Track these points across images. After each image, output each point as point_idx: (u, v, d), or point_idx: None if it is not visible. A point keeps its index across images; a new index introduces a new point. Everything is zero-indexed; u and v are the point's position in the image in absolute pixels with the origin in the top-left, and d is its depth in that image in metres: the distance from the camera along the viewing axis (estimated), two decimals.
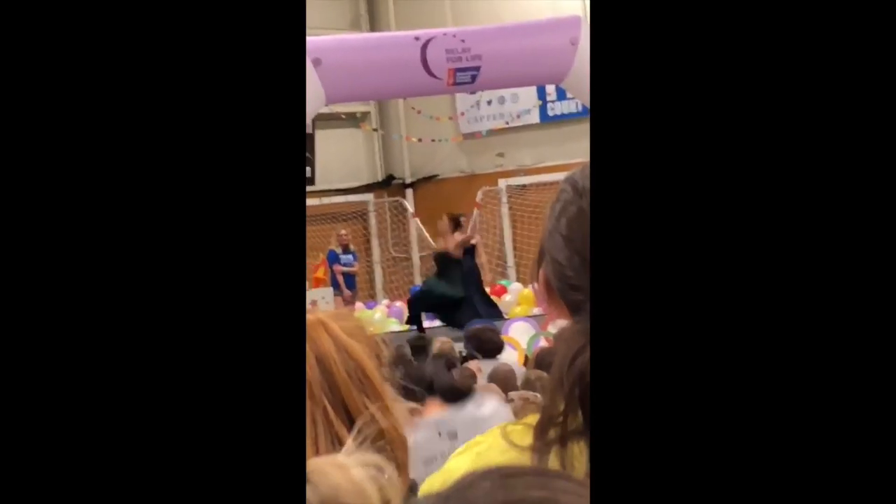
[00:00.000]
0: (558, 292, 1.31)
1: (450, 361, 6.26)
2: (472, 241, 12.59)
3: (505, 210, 16.65)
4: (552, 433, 1.20)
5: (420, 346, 7.60)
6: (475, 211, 15.89)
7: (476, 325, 8.64)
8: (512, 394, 5.19)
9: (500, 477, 0.78)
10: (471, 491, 0.77)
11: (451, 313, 11.65)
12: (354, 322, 1.62)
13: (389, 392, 1.57)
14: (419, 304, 12.11)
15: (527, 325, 9.96)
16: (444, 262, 12.21)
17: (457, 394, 4.90)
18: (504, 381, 5.68)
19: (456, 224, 12.45)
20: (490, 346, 7.04)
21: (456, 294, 11.72)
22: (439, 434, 4.69)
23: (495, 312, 11.80)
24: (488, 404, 4.80)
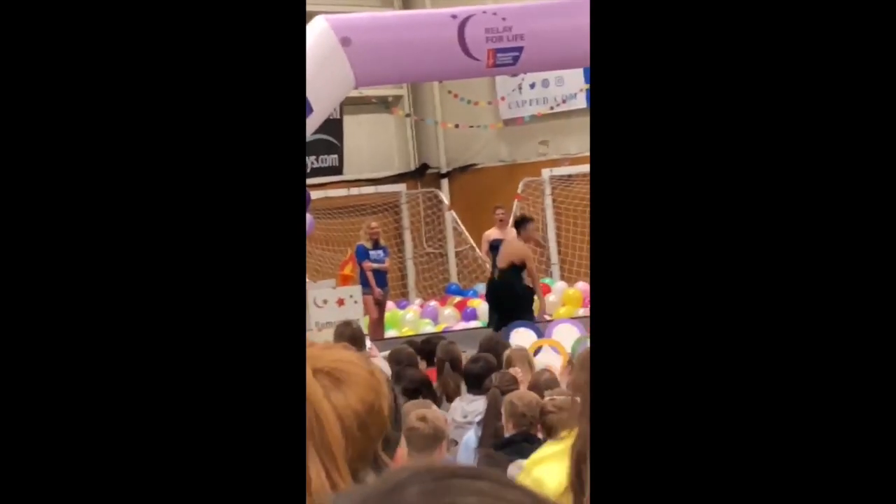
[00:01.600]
0: None
1: (488, 366, 6.43)
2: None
3: (548, 202, 16.78)
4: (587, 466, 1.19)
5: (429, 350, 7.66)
6: (515, 203, 15.88)
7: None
8: (548, 393, 5.48)
9: (431, 479, 0.81)
10: (396, 495, 0.80)
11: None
12: (333, 361, 1.51)
13: (358, 452, 1.48)
14: None
15: (572, 327, 10.02)
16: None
17: None
18: (545, 390, 5.85)
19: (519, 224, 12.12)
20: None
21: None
22: None
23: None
24: None
